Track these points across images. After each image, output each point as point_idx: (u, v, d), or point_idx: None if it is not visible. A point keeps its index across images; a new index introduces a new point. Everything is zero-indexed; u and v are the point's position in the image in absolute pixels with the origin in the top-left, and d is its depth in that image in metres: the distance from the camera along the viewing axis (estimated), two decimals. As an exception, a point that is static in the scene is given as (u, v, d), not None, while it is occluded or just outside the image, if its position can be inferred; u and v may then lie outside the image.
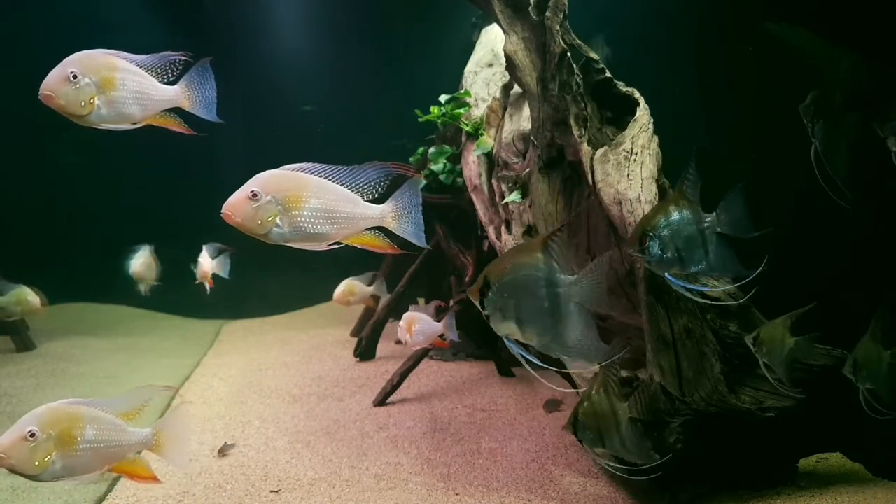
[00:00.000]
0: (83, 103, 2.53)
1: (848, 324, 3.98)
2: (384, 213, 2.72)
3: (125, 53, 2.71)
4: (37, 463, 2.57)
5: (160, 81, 2.79)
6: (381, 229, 2.78)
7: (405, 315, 4.54)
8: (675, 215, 2.96)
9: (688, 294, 3.11)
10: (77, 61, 2.55)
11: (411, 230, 2.77)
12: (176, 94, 2.78)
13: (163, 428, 2.93)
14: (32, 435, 2.56)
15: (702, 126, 5.40)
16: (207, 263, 6.02)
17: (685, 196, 3.01)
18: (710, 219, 2.98)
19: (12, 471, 2.57)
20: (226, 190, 2.65)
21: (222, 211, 2.49)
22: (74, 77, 2.51)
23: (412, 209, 2.77)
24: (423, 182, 7.22)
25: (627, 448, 3.01)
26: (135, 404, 2.92)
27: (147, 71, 2.75)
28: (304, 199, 2.55)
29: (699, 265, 3.00)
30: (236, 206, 2.50)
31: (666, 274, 3.02)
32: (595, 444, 3.02)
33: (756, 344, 3.44)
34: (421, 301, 8.63)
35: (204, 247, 6.31)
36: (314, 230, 2.59)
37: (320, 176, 2.62)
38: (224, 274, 6.06)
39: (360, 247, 2.76)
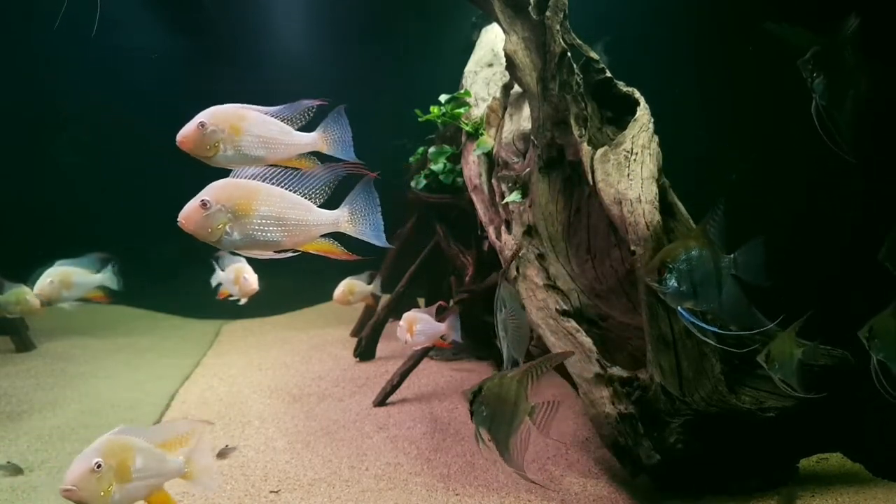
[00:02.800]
0: (208, 147, 2.69)
1: (848, 323, 3.98)
2: (338, 218, 2.77)
3: (259, 107, 2.85)
4: (102, 493, 2.63)
5: (297, 128, 2.92)
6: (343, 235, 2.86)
7: (406, 315, 4.51)
8: (696, 252, 3.02)
9: (696, 331, 3.16)
10: (207, 113, 2.72)
11: (370, 232, 2.81)
12: (313, 140, 2.91)
13: (192, 456, 3.01)
14: (98, 466, 2.62)
15: (702, 125, 5.40)
16: (254, 279, 5.46)
17: (707, 235, 3.06)
18: (726, 261, 3.03)
19: (79, 502, 2.61)
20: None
21: (178, 219, 2.59)
22: (202, 125, 2.67)
23: (368, 210, 2.81)
24: (424, 189, 7.22)
25: (506, 444, 2.99)
26: (170, 436, 3.00)
27: (284, 120, 2.88)
28: (254, 207, 2.63)
29: (711, 304, 3.05)
30: (188, 215, 2.59)
31: (679, 308, 3.07)
32: (484, 423, 2.99)
33: (768, 361, 3.45)
34: (421, 301, 8.65)
35: (226, 258, 5.72)
36: (264, 237, 2.66)
37: (272, 182, 2.69)
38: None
39: (314, 253, 2.81)
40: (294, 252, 2.78)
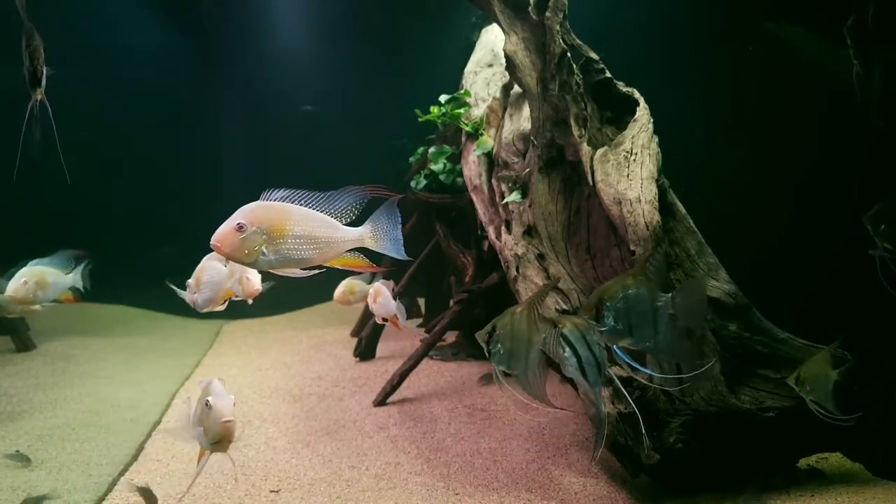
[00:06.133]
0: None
1: (848, 319, 3.98)
2: (362, 234, 2.86)
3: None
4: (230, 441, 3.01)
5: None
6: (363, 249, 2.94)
7: (375, 284, 4.89)
8: (633, 290, 3.04)
9: (626, 368, 3.15)
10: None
11: (390, 247, 2.91)
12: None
13: None
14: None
15: (701, 126, 5.40)
16: (257, 279, 5.05)
17: (647, 274, 3.08)
18: (664, 300, 3.04)
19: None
20: (226, 189, 2.70)
21: (212, 242, 2.64)
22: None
23: (390, 227, 2.91)
24: (424, 189, 7.23)
25: (526, 378, 3.01)
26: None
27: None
28: (288, 227, 2.70)
29: (647, 343, 3.06)
30: (224, 237, 2.64)
31: (615, 347, 3.07)
32: (501, 362, 3.02)
33: (799, 383, 3.44)
34: (421, 302, 8.65)
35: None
36: (298, 256, 2.74)
37: (301, 203, 2.76)
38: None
39: (341, 268, 2.90)
40: (321, 269, 2.86)
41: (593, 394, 3.04)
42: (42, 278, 4.70)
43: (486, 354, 3.06)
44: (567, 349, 2.97)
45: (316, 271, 2.87)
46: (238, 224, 2.63)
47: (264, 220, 2.67)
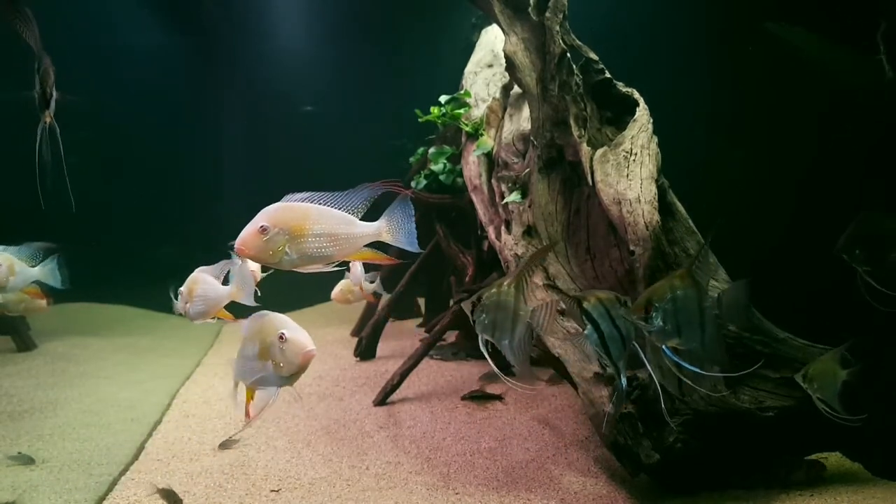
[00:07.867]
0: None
1: (847, 319, 3.98)
2: (379, 228, 2.97)
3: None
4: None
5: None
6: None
7: (354, 265, 5.88)
8: (682, 292, 3.10)
9: (675, 370, 3.20)
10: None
11: (405, 240, 3.01)
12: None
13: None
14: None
15: (701, 126, 5.40)
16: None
17: (693, 276, 3.15)
18: (710, 302, 3.11)
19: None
20: (226, 189, 2.74)
21: (236, 246, 2.73)
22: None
23: (404, 221, 3.01)
24: (424, 189, 7.28)
25: (513, 350, 3.08)
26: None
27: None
28: (309, 227, 2.80)
29: (693, 344, 3.13)
30: (248, 240, 2.73)
31: (664, 347, 3.12)
32: (486, 330, 3.10)
33: (806, 380, 3.46)
34: (421, 302, 8.66)
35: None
36: (320, 253, 2.84)
37: (319, 203, 2.85)
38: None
39: (360, 261, 2.99)
40: (340, 266, 2.97)
41: (615, 367, 3.08)
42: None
43: (472, 323, 3.12)
44: (588, 325, 3.01)
45: (336, 267, 2.97)
46: (261, 227, 2.71)
47: (286, 221, 2.76)
